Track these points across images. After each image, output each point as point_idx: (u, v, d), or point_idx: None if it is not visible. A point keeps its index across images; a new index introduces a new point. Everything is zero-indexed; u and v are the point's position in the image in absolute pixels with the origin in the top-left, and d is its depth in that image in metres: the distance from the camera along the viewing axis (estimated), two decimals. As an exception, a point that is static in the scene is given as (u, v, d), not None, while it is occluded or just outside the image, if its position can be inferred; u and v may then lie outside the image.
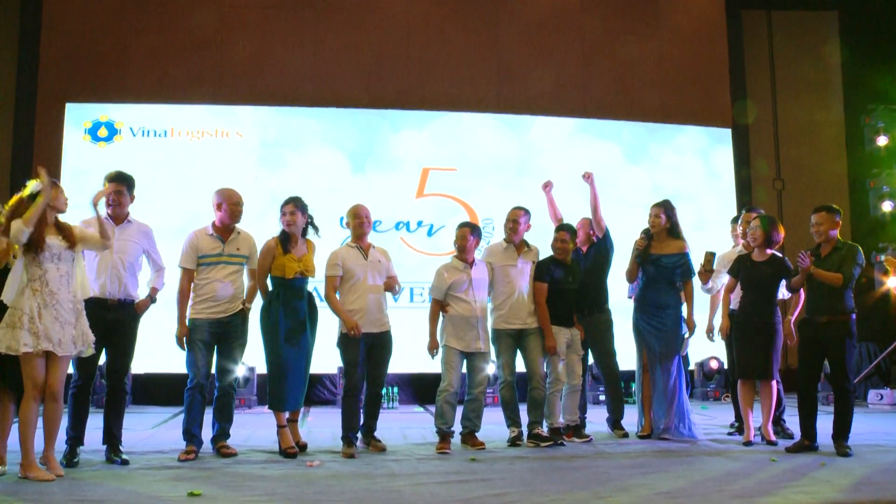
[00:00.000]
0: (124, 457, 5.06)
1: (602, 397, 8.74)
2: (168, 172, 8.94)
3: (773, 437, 5.83)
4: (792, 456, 5.37)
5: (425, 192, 9.49)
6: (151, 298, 5.39)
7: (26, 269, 4.56)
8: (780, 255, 6.08)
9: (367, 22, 10.06)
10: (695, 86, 10.57)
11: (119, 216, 5.28)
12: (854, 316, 5.55)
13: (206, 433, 5.53)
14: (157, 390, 8.64)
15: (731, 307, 6.26)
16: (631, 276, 6.32)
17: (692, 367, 8.89)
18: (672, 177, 9.93)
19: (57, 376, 4.58)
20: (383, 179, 9.40)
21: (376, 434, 5.74)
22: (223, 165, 9.00)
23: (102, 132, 8.99)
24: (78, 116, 9.03)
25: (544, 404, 5.99)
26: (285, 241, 5.54)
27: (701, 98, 10.52)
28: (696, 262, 6.32)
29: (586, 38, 10.48)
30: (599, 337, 6.38)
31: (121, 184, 5.29)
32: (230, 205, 5.53)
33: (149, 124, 9.11)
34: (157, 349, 7.71)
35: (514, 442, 5.87)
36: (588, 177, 6.49)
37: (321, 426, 6.84)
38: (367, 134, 9.55)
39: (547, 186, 6.78)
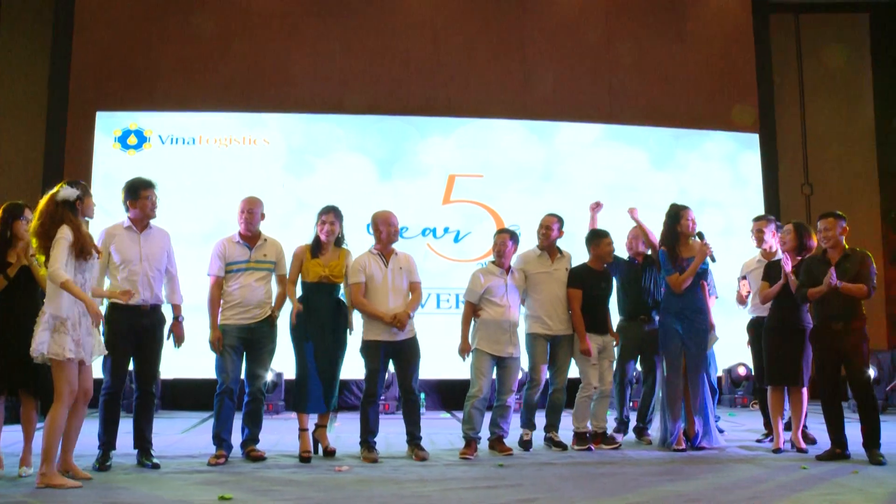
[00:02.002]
0: (155, 461, 5.12)
1: (629, 404, 8.71)
2: (196, 179, 9.05)
3: (803, 445, 5.77)
4: (823, 464, 5.30)
5: (452, 199, 9.52)
6: (179, 320, 5.40)
7: (72, 277, 4.53)
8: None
9: (393, 29, 10.14)
10: (722, 91, 10.50)
11: (147, 222, 5.32)
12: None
13: (236, 438, 5.57)
14: (187, 395, 8.71)
15: (759, 314, 6.23)
16: (684, 286, 5.99)
17: (720, 373, 8.81)
18: (699, 182, 9.89)
19: (89, 381, 4.65)
20: (410, 186, 9.45)
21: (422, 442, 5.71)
22: (250, 172, 9.10)
23: (132, 140, 9.13)
24: (108, 125, 9.18)
25: (562, 411, 6.05)
26: (316, 247, 5.62)
27: (728, 103, 10.44)
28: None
29: (613, 44, 10.47)
30: (654, 346, 6.36)
31: (155, 189, 5.34)
32: (241, 213, 5.64)
33: (177, 132, 9.24)
34: (187, 355, 7.76)
35: (525, 445, 5.91)
36: (632, 212, 6.45)
37: (350, 431, 6.83)
38: (394, 140, 9.60)
39: (596, 208, 6.69)
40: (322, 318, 5.56)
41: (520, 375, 6.07)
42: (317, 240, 5.65)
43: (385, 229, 5.74)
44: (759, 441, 6.32)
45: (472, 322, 5.92)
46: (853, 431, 5.52)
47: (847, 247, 5.59)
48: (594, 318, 6.09)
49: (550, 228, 6.16)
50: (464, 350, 5.86)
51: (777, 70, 10.95)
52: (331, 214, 5.65)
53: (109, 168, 8.93)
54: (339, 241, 5.72)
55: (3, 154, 9.79)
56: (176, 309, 5.41)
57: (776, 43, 11.03)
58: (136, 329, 5.08)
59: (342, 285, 5.72)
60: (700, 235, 5.99)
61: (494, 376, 5.93)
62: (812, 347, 5.69)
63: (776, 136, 10.71)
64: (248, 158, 9.26)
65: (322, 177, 9.35)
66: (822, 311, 5.56)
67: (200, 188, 8.99)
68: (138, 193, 5.24)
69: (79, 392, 4.57)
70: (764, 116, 10.62)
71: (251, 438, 5.57)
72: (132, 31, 9.73)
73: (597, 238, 6.25)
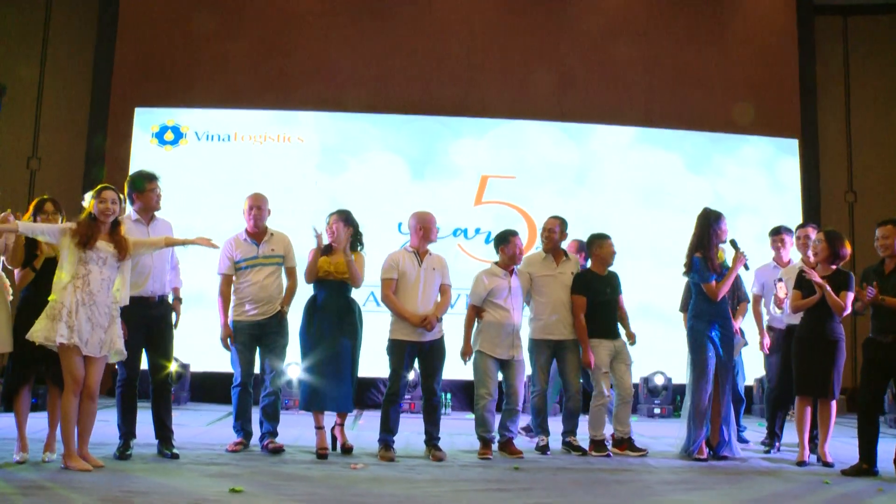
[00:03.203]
0: (175, 451, 5.20)
1: (657, 411, 8.65)
2: (230, 176, 9.16)
3: (829, 459, 5.62)
4: (847, 479, 5.14)
5: (483, 200, 9.51)
6: (179, 300, 5.55)
7: (73, 266, 4.67)
8: (846, 270, 5.85)
9: (428, 29, 10.15)
10: (762, 94, 10.29)
11: (152, 214, 5.37)
12: None
13: (259, 430, 5.70)
14: (214, 388, 8.80)
15: (791, 322, 6.11)
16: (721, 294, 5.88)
17: (752, 382, 8.66)
18: (735, 187, 9.72)
19: (94, 376, 4.72)
20: (442, 186, 9.46)
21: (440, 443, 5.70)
22: (284, 170, 9.20)
23: (168, 136, 9.29)
24: (146, 121, 9.37)
25: (579, 416, 6.01)
26: (326, 249, 5.66)
27: (768, 107, 10.23)
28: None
29: (650, 46, 10.34)
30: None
31: (159, 182, 5.40)
32: (249, 210, 5.75)
33: (213, 129, 9.37)
34: (214, 348, 7.91)
35: (542, 450, 5.88)
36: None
37: (373, 429, 6.83)
38: (427, 140, 9.63)
39: None
40: (331, 316, 5.58)
41: (525, 378, 6.04)
42: (328, 245, 5.70)
43: (423, 228, 5.75)
44: (766, 451, 6.22)
45: (476, 324, 5.91)
46: (886, 447, 5.38)
47: None
48: (603, 324, 6.03)
49: (553, 231, 6.15)
50: (466, 353, 5.85)
51: (821, 74, 10.68)
52: (334, 217, 5.68)
53: (146, 164, 8.84)
54: (356, 246, 5.72)
55: (49, 149, 10.04)
56: (176, 291, 5.54)
57: (821, 46, 10.76)
58: (146, 320, 5.17)
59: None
60: (733, 243, 5.88)
61: (500, 378, 5.92)
62: (862, 357, 5.55)
63: (818, 141, 10.46)
64: (282, 156, 9.36)
65: (355, 176, 9.40)
66: (875, 322, 5.43)
67: (234, 185, 9.06)
68: (144, 186, 5.30)
69: (83, 386, 4.67)
70: (806, 121, 10.38)
71: (269, 433, 5.67)
72: (173, 30, 9.90)
73: (598, 240, 6.18)
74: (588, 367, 5.94)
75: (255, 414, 5.82)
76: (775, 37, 10.56)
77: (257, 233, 5.75)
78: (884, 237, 5.43)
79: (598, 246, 6.16)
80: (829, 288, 5.58)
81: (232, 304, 5.70)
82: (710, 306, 5.87)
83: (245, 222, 5.77)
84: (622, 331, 6.21)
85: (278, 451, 5.50)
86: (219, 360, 8.13)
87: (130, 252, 4.85)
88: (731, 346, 5.93)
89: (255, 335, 5.65)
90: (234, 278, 5.74)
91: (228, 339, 5.66)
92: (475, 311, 5.91)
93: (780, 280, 6.32)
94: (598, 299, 6.02)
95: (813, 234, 6.35)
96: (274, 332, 5.67)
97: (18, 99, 9.74)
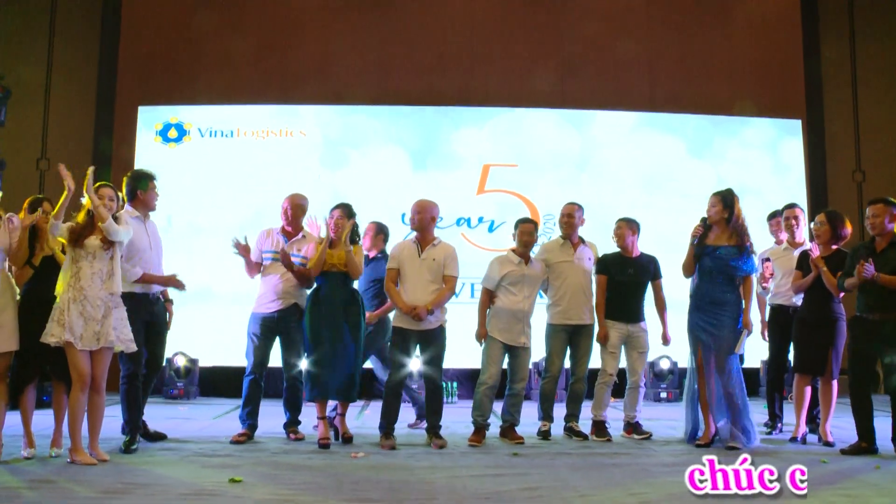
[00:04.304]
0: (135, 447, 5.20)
1: (663, 395, 8.68)
2: (234, 171, 9.26)
3: (830, 438, 5.63)
4: (846, 458, 5.17)
5: (486, 189, 9.53)
6: (170, 300, 5.74)
7: (68, 264, 4.79)
8: (846, 250, 5.84)
9: (429, 19, 10.15)
10: (766, 75, 10.21)
11: (148, 212, 5.45)
12: None
13: (267, 421, 5.89)
14: (223, 383, 8.91)
15: (780, 302, 6.14)
16: (688, 270, 5.79)
17: (758, 364, 8.66)
18: (738, 170, 9.64)
19: (97, 369, 4.80)
20: (444, 176, 9.49)
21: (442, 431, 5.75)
22: (287, 164, 9.25)
23: (172, 133, 9.37)
24: (150, 118, 9.44)
25: (582, 400, 6.05)
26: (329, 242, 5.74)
27: (772, 88, 10.17)
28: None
29: (652, 29, 10.28)
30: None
31: (156, 181, 5.49)
32: (282, 209, 5.96)
33: (216, 125, 9.44)
34: (224, 343, 8.01)
35: (544, 435, 5.93)
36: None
37: (378, 419, 6.92)
38: (429, 131, 9.65)
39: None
40: (334, 308, 5.65)
41: (530, 364, 6.08)
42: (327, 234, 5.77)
43: (416, 217, 5.79)
44: (768, 433, 6.22)
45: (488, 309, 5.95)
46: (884, 425, 5.38)
47: None
48: (621, 306, 6.06)
49: (572, 216, 6.15)
50: (481, 336, 5.90)
51: (827, 52, 10.57)
52: (337, 211, 5.78)
53: (151, 161, 9.08)
54: (354, 239, 5.80)
55: (58, 150, 10.10)
56: (164, 292, 5.69)
57: (826, 24, 10.64)
58: (146, 316, 5.26)
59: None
60: (703, 220, 5.79)
61: (506, 365, 5.96)
62: (849, 336, 5.57)
63: (824, 121, 10.38)
64: (284, 150, 9.40)
65: (357, 168, 9.45)
66: (862, 300, 5.42)
67: (238, 180, 9.19)
68: (147, 185, 5.39)
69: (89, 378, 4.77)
70: (811, 101, 10.30)
71: (292, 421, 5.88)
72: (174, 28, 9.96)
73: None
74: (602, 342, 6.02)
75: (264, 406, 5.91)
76: (779, 15, 10.46)
77: (291, 231, 5.92)
78: (874, 216, 5.42)
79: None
80: (824, 268, 5.59)
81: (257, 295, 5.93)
82: (697, 290, 5.80)
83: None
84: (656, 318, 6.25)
85: (298, 440, 5.71)
86: (228, 355, 8.30)
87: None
88: (721, 334, 5.65)
89: (272, 328, 5.81)
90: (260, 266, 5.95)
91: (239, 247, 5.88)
92: (488, 296, 5.95)
93: (768, 260, 6.30)
94: (616, 279, 6.05)
95: (801, 215, 6.36)
96: (289, 326, 5.82)
97: (26, 101, 9.81)
